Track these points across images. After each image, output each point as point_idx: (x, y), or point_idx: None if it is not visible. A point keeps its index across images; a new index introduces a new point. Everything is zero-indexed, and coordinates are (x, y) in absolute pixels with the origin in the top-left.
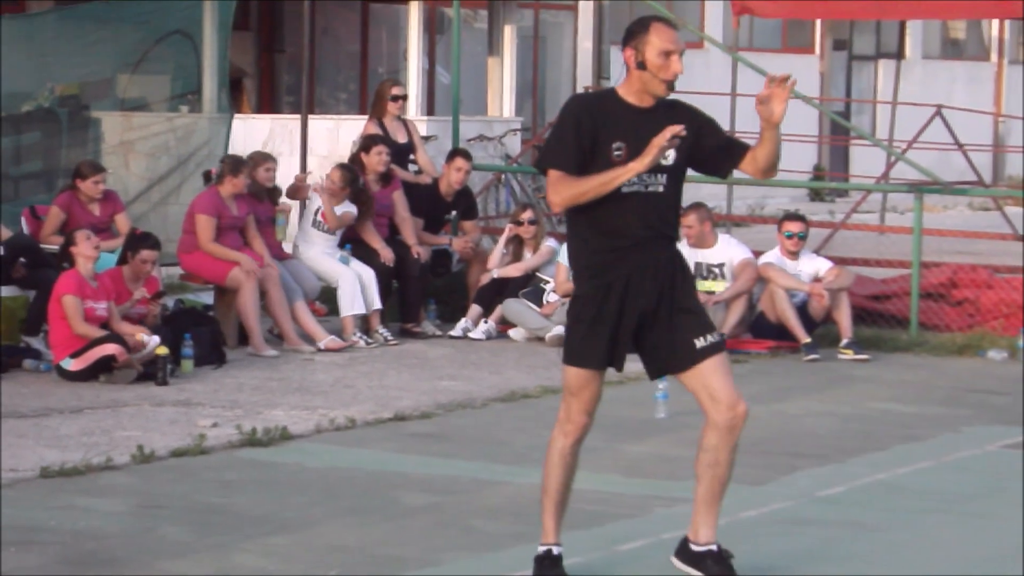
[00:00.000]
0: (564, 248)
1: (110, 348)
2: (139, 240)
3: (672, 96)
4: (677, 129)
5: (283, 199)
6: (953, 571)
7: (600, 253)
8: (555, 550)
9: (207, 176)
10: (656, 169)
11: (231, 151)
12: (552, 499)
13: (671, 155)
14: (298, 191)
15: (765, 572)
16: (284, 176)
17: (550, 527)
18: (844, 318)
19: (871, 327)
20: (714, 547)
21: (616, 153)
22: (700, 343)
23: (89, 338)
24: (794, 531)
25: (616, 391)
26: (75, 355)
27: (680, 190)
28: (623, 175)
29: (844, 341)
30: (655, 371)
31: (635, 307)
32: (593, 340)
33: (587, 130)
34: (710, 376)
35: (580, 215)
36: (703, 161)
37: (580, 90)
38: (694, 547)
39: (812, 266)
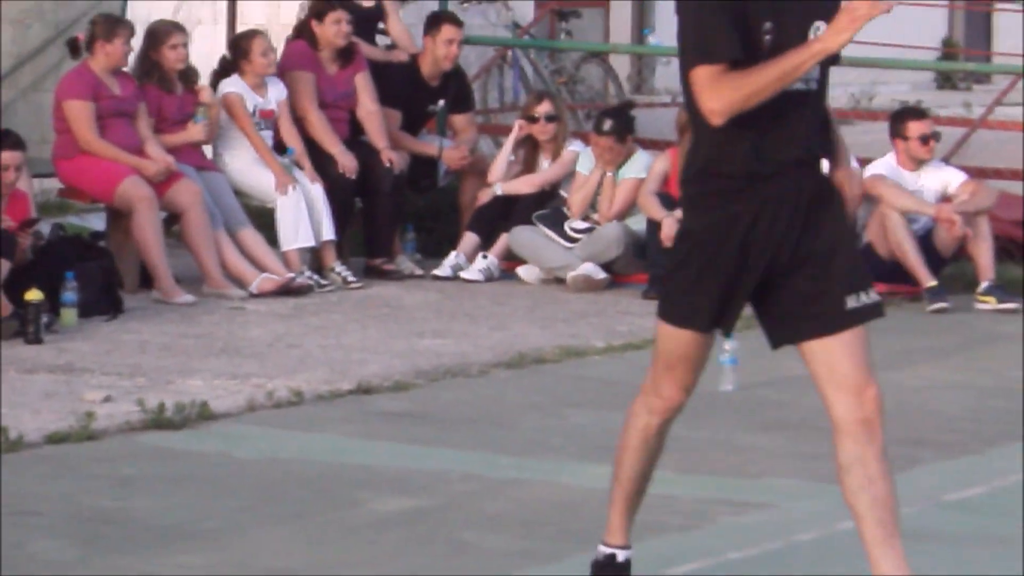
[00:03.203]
0: (584, 152)
1: None
2: None
3: None
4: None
5: (203, 84)
6: None
7: (726, 178)
8: (620, 555)
9: (73, 45)
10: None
11: (131, 19)
12: (624, 490)
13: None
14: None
15: None
16: (206, 55)
17: (617, 524)
18: (983, 253)
19: (1021, 265)
20: None
21: (767, 38)
22: (852, 303)
23: None
24: (914, 547)
25: None
26: None
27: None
28: (810, 57)
29: (984, 285)
30: (783, 337)
31: (764, 253)
32: (701, 292)
33: (737, 7)
34: (841, 354)
35: (706, 122)
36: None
37: None
38: None
39: (939, 180)
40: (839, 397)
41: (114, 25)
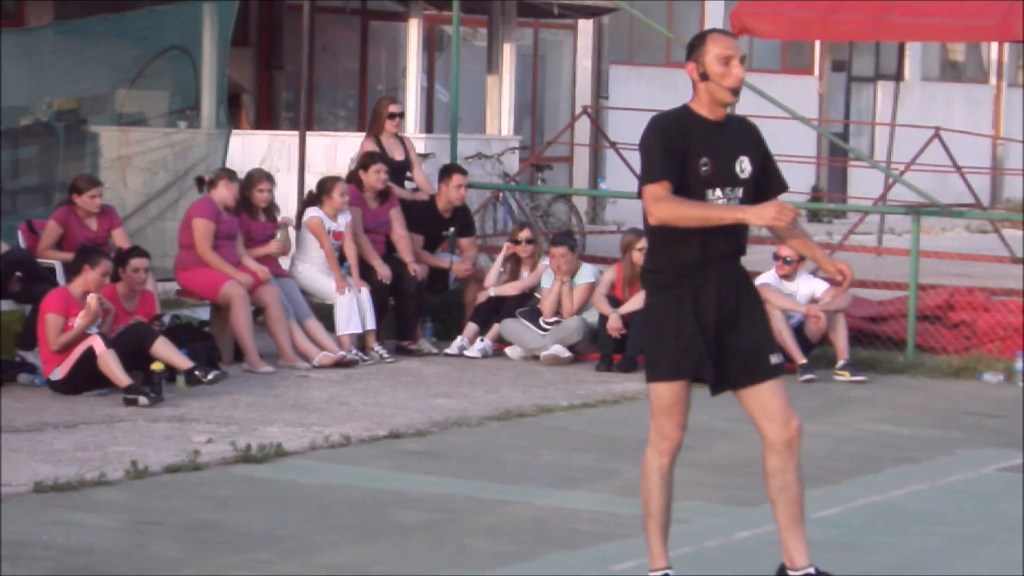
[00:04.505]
0: (547, 272)
1: (89, 341)
2: (127, 253)
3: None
4: (792, 211)
5: (284, 216)
6: None
7: (683, 265)
8: (670, 574)
9: (200, 182)
10: (735, 183)
11: (229, 167)
12: (656, 521)
13: (747, 169)
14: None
15: None
16: (282, 193)
17: (658, 551)
18: (840, 339)
19: (868, 349)
20: (811, 570)
21: (704, 168)
22: (775, 359)
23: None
24: None
25: (610, 410)
26: (61, 365)
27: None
28: (730, 219)
29: (840, 362)
30: (722, 385)
31: (712, 318)
32: (676, 350)
33: (677, 145)
34: (770, 396)
35: (664, 227)
36: (756, 185)
37: (578, 109)
38: (792, 573)
39: (809, 287)
40: (771, 425)
41: (230, 173)
